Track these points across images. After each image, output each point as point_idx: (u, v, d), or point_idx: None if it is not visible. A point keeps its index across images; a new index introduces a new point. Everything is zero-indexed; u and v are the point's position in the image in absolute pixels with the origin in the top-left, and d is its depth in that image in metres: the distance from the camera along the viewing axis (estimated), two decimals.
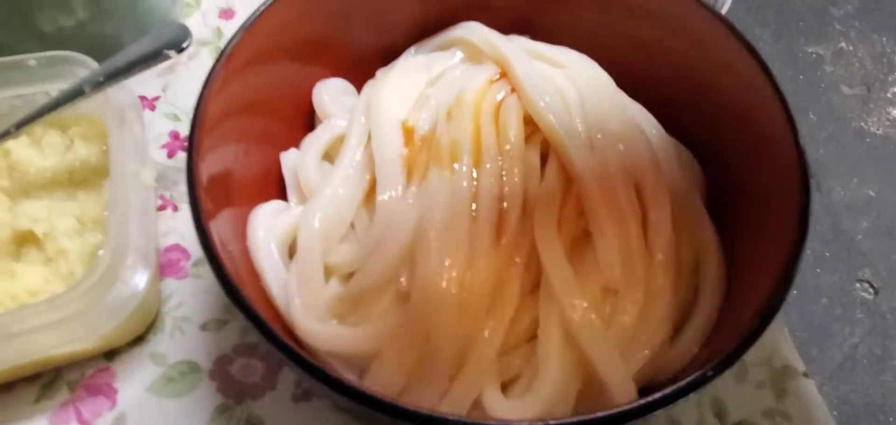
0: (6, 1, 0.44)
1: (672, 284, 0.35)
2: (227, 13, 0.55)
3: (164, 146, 0.48)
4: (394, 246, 0.34)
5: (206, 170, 0.33)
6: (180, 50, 0.40)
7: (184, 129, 0.49)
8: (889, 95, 1.53)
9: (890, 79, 1.55)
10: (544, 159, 0.38)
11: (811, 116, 1.51)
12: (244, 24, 0.36)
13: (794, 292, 1.26)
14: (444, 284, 0.32)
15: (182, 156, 0.48)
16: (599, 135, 0.37)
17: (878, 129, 1.48)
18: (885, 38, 1.63)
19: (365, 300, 0.34)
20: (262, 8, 0.37)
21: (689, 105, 0.41)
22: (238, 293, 0.29)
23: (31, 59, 0.42)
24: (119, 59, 0.40)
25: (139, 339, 0.41)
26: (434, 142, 0.37)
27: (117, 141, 0.39)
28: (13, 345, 0.36)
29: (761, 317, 0.29)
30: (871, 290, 1.31)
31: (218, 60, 0.35)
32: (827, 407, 0.40)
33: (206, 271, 0.44)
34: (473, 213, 0.35)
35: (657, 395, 0.28)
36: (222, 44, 0.53)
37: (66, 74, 0.42)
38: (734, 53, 0.38)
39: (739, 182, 0.38)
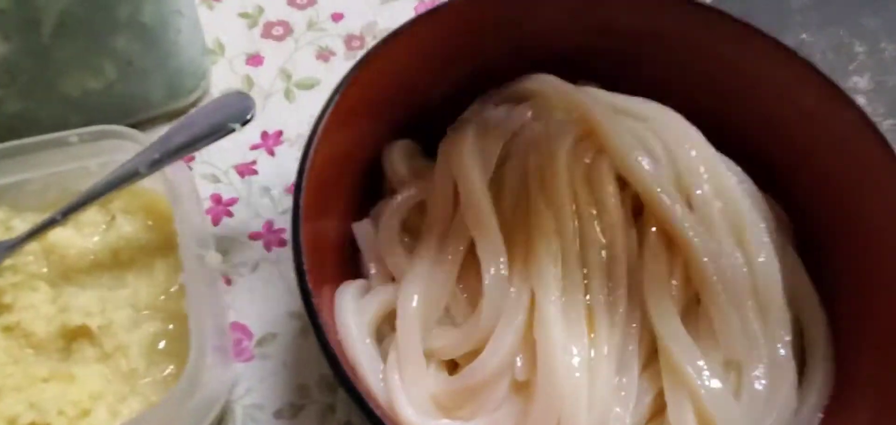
0: (29, 69, 0.40)
1: (793, 352, 0.34)
2: (254, 59, 0.52)
3: (206, 212, 0.45)
4: (510, 333, 0.32)
5: (308, 239, 0.31)
6: (245, 122, 0.37)
7: (225, 191, 0.46)
8: (850, 85, 1.58)
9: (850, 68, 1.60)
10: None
11: None
12: (350, 72, 0.35)
13: None
14: (573, 373, 0.31)
15: (228, 222, 0.45)
16: (697, 193, 0.36)
17: None
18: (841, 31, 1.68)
19: (478, 392, 0.32)
20: (366, 57, 0.36)
21: (771, 154, 0.40)
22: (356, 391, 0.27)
23: (72, 135, 0.38)
24: (177, 136, 0.36)
25: None
26: (533, 215, 0.35)
27: (181, 223, 0.36)
28: None
29: None
30: None
31: (325, 109, 0.34)
32: None
33: (273, 351, 0.41)
34: (586, 291, 0.33)
35: None
36: (254, 93, 0.50)
37: (108, 149, 0.39)
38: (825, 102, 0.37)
39: (834, 235, 0.38)
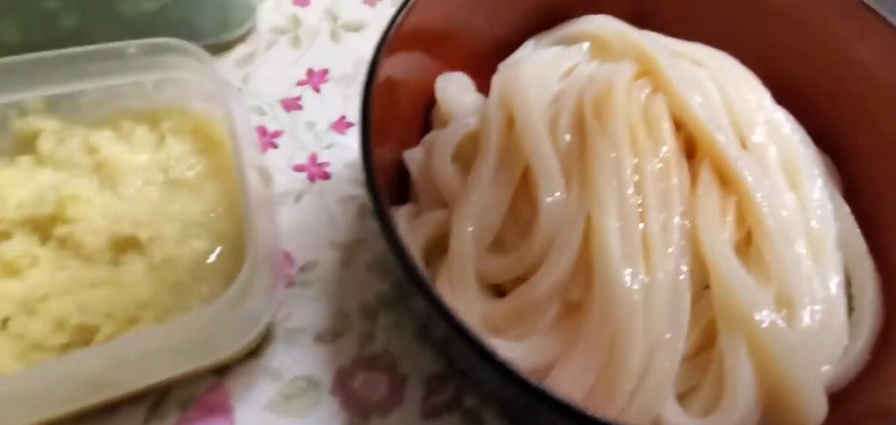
0: None
1: (844, 291, 0.34)
2: (301, 0, 0.52)
3: None
4: (567, 253, 0.32)
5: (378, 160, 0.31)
6: None
7: (270, 124, 0.46)
8: None
9: None
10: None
11: None
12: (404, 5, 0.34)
13: None
14: (631, 294, 0.31)
15: (273, 154, 0.45)
16: (753, 138, 0.36)
17: None
18: None
19: (530, 312, 0.32)
20: None
21: (824, 107, 0.40)
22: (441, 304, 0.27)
23: (130, 46, 0.38)
24: None
25: (251, 353, 0.38)
26: (589, 144, 0.35)
27: (238, 145, 0.36)
28: (131, 369, 0.33)
29: None
30: None
31: (385, 35, 0.34)
32: None
33: (314, 277, 0.41)
34: (642, 219, 0.33)
35: None
36: (300, 32, 0.50)
37: (166, 65, 0.39)
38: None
39: (885, 189, 0.38)
